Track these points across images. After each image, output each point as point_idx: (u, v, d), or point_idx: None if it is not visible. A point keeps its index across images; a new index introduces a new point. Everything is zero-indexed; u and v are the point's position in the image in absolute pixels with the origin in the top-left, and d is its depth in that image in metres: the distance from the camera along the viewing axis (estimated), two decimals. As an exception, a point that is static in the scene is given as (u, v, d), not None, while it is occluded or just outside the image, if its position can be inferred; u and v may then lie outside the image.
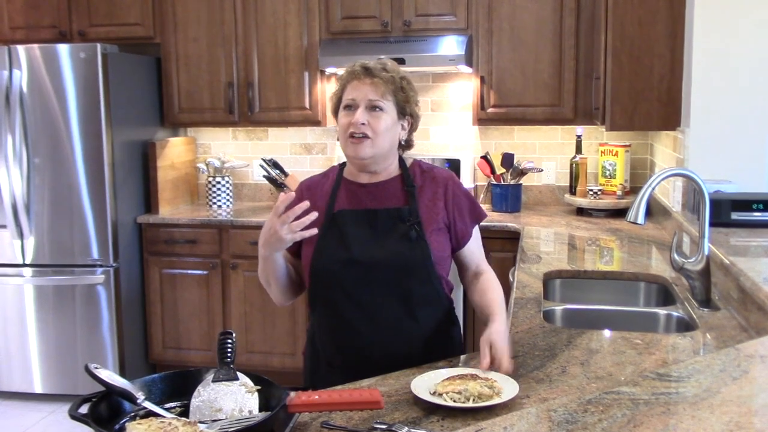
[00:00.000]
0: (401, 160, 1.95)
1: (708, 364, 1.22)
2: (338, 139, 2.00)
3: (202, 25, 4.24)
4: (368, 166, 1.89)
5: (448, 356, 1.82)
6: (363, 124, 1.81)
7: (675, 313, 2.18)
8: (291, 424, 1.39)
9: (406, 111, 1.89)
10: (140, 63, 4.25)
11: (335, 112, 1.92)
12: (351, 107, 1.84)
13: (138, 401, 1.39)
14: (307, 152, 4.63)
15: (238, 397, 1.41)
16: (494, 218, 3.91)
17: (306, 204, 1.65)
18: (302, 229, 1.65)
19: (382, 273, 1.81)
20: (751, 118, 2.97)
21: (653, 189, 2.15)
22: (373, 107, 1.82)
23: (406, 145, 1.95)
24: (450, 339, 1.94)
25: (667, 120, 3.26)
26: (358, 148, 1.82)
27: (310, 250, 1.86)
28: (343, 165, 1.98)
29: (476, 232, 1.97)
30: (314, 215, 1.66)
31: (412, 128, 1.94)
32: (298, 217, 1.64)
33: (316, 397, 1.41)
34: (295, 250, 1.90)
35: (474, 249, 1.96)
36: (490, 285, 1.90)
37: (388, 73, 1.85)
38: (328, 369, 1.89)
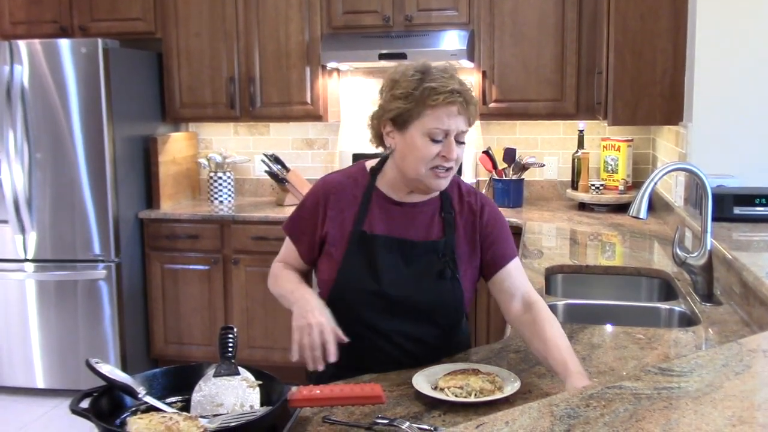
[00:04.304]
0: None
1: (710, 358, 1.22)
2: (388, 154, 1.74)
3: (203, 20, 4.24)
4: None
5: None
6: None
7: (677, 308, 2.18)
8: (292, 419, 1.39)
9: None
10: (141, 58, 4.25)
11: (400, 126, 1.65)
12: (439, 139, 1.61)
13: (139, 396, 1.39)
14: (309, 147, 4.62)
15: (240, 392, 1.40)
16: (496, 213, 3.91)
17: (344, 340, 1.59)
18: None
19: (409, 309, 1.71)
20: (754, 113, 2.96)
21: (656, 184, 2.14)
22: (459, 142, 1.65)
23: None
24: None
25: (669, 115, 3.25)
26: (443, 182, 1.68)
27: (333, 267, 1.73)
28: (374, 172, 1.77)
29: (518, 262, 1.79)
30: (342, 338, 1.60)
31: None
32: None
33: (318, 391, 1.41)
34: (311, 258, 1.80)
35: (517, 274, 1.75)
36: (550, 327, 1.60)
37: (473, 96, 1.66)
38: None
